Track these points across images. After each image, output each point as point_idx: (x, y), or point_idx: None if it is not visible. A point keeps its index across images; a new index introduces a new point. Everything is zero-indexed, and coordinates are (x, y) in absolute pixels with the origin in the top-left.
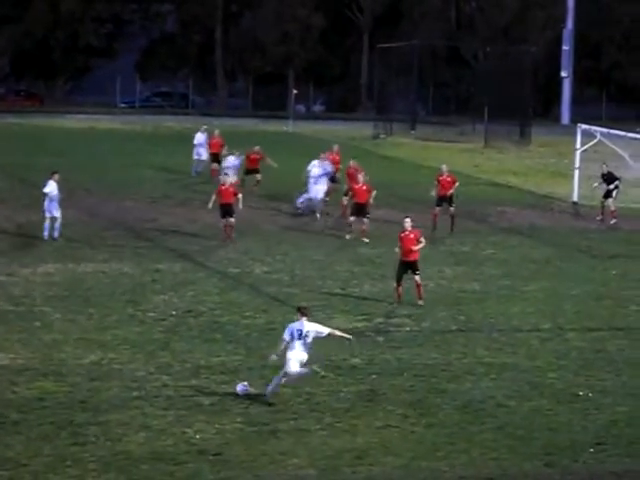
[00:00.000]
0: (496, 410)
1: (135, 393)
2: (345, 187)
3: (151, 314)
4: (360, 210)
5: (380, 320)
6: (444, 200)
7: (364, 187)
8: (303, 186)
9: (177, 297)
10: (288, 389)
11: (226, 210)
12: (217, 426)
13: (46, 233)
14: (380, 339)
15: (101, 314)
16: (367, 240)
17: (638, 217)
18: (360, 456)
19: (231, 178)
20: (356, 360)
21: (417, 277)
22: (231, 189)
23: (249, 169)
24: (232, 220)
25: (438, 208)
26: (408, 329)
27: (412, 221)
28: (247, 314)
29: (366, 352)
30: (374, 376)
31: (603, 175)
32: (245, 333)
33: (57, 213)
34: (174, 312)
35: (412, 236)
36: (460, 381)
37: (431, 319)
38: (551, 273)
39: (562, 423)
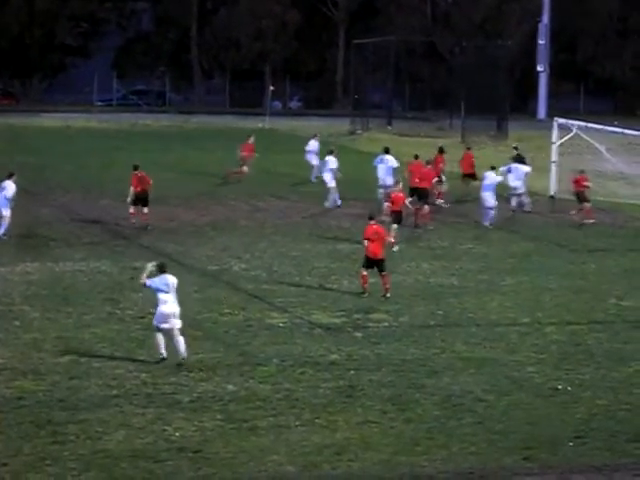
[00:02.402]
0: (475, 405)
1: (114, 391)
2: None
3: (129, 312)
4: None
5: (358, 316)
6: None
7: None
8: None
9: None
10: (267, 385)
11: None
12: (196, 423)
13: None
14: (358, 334)
15: (79, 312)
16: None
17: (616, 210)
18: (339, 452)
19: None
20: (334, 356)
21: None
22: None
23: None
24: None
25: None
26: (386, 324)
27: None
28: (226, 311)
29: (345, 348)
30: (353, 372)
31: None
32: (224, 330)
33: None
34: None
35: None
36: (439, 376)
37: (409, 314)
38: (530, 267)
39: (541, 417)
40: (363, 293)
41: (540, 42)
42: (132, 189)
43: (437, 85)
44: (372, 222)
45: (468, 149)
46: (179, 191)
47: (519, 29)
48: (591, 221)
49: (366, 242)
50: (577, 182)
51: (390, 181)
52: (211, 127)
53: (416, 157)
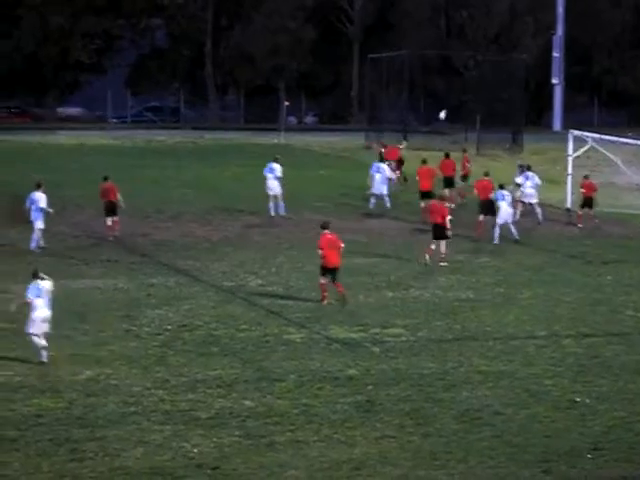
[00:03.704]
0: (493, 418)
1: (132, 408)
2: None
3: (146, 329)
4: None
5: (376, 330)
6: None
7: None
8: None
9: (172, 311)
10: (285, 401)
11: None
12: (215, 440)
13: (34, 244)
14: (376, 349)
15: (96, 330)
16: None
17: (631, 222)
18: (358, 467)
19: None
20: (352, 371)
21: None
22: None
23: None
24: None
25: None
26: (404, 339)
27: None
28: (242, 327)
29: (362, 362)
30: (371, 386)
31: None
32: (241, 346)
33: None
34: (169, 326)
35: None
36: (456, 390)
37: (427, 328)
38: (545, 280)
39: (559, 429)
40: (322, 301)
41: (555, 55)
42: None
43: (452, 99)
44: (326, 231)
45: (447, 156)
46: (195, 207)
47: (533, 42)
48: (580, 226)
49: (321, 251)
50: (588, 187)
51: (385, 190)
52: (225, 143)
53: (424, 162)
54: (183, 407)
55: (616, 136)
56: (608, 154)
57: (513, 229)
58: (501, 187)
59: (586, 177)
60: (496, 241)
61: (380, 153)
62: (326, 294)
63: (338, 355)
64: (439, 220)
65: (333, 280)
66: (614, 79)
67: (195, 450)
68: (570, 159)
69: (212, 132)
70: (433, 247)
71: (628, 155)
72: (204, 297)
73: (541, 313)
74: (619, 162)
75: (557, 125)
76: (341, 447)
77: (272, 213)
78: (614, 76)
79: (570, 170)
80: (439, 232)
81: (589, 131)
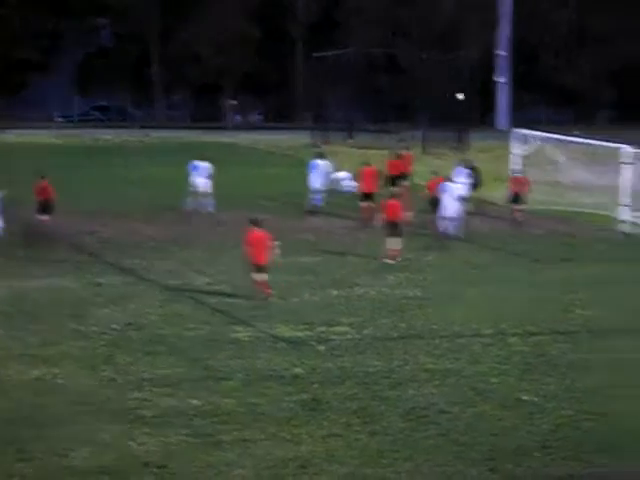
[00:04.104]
0: (439, 416)
1: (80, 407)
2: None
3: (94, 328)
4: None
5: (321, 329)
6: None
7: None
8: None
9: (119, 310)
10: (231, 399)
11: None
12: (161, 438)
13: None
14: (322, 348)
15: (44, 329)
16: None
17: (576, 220)
18: (304, 465)
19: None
20: (298, 369)
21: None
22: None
23: None
24: None
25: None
26: (350, 337)
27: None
28: (190, 326)
29: (308, 361)
30: (316, 385)
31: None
32: (187, 345)
33: None
34: (116, 326)
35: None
36: (403, 388)
37: (372, 326)
38: (492, 278)
39: (506, 428)
40: (266, 296)
41: (501, 53)
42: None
43: (399, 97)
44: (254, 228)
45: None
46: (141, 206)
47: (479, 40)
48: (520, 220)
49: (248, 248)
50: (518, 182)
51: (321, 186)
52: (172, 142)
53: (366, 164)
54: (130, 406)
55: (563, 134)
56: (553, 152)
57: (457, 226)
58: (446, 181)
59: (515, 173)
60: (441, 232)
61: (319, 149)
62: (269, 291)
63: (284, 354)
64: (394, 218)
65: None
66: (561, 77)
67: (142, 449)
68: (514, 157)
69: (159, 131)
70: (391, 245)
71: (575, 153)
72: (151, 296)
73: (487, 311)
74: (564, 160)
75: (503, 123)
76: (287, 445)
77: (189, 208)
78: (560, 74)
79: (514, 168)
80: (394, 230)
81: (537, 129)
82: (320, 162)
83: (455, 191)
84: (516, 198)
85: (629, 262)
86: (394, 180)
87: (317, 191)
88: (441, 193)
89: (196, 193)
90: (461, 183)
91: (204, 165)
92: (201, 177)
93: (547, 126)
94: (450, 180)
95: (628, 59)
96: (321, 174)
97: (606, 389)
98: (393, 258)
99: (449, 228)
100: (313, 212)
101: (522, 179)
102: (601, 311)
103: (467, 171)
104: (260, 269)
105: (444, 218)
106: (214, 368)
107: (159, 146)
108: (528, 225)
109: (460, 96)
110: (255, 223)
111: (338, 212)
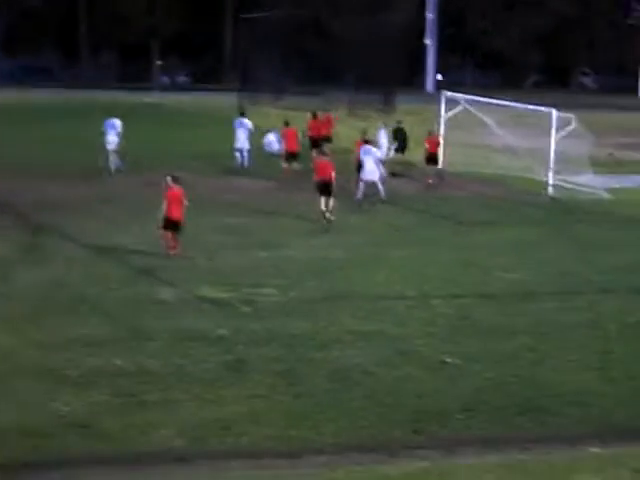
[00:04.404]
0: (364, 378)
1: (2, 367)
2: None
3: (17, 288)
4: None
5: (247, 290)
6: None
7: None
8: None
9: (42, 271)
10: (156, 360)
11: None
12: (85, 398)
13: None
14: (247, 309)
15: None
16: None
17: (503, 183)
18: (228, 426)
19: None
20: (223, 330)
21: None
22: None
23: None
24: None
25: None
26: (275, 299)
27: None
28: (113, 286)
29: (233, 322)
30: (241, 346)
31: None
32: (112, 305)
33: None
34: (40, 286)
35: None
36: (327, 350)
37: (298, 289)
38: (416, 240)
39: (430, 390)
40: (169, 252)
41: (428, 15)
42: None
43: (327, 59)
44: (174, 185)
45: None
46: (66, 166)
47: (408, 3)
48: (430, 182)
49: (165, 204)
50: (431, 143)
51: (247, 145)
52: (98, 102)
53: (287, 124)
54: (53, 366)
55: (489, 97)
56: (481, 115)
57: (380, 187)
58: (366, 142)
59: (430, 133)
60: (359, 196)
61: (242, 110)
62: (174, 246)
63: (209, 315)
64: (326, 177)
65: (174, 234)
66: (488, 40)
67: (65, 409)
68: (442, 120)
69: (85, 91)
70: (323, 204)
71: (502, 116)
72: (74, 256)
73: (411, 273)
74: (491, 123)
75: (430, 86)
76: (211, 406)
77: (112, 168)
78: (488, 37)
79: (442, 131)
80: (326, 188)
81: (463, 92)
82: (245, 120)
83: (376, 154)
84: (433, 158)
85: (555, 225)
86: (315, 142)
87: (242, 149)
88: (362, 156)
89: (109, 150)
90: (382, 145)
91: (116, 122)
92: (112, 135)
93: (473, 89)
94: (371, 142)
95: (556, 24)
96: (245, 131)
97: (530, 352)
98: (329, 220)
99: (371, 190)
100: (240, 172)
101: (437, 140)
102: (526, 274)
103: (385, 133)
104: (174, 226)
105: (366, 181)
106: (138, 329)
107: (84, 106)
108: (451, 187)
109: (439, 77)
110: (175, 180)
111: (265, 172)
